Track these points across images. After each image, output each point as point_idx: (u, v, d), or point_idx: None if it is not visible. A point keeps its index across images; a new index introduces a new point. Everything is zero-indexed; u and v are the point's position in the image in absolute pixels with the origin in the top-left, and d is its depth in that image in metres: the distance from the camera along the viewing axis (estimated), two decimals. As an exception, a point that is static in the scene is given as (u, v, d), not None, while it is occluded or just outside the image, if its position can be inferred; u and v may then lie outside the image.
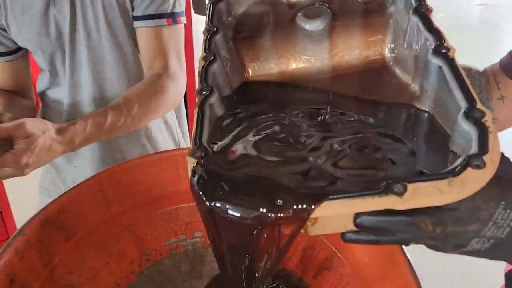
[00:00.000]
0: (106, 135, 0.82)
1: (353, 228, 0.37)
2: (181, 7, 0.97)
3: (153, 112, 0.90)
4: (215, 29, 0.51)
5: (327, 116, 0.49)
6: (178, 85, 0.93)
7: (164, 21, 0.92)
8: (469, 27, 5.51)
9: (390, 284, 0.50)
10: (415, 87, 0.50)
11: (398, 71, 0.53)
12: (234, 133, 0.46)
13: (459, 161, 0.34)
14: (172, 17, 0.93)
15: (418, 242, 0.38)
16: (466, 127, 0.36)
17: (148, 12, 0.91)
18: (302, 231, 0.38)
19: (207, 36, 0.51)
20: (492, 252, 0.39)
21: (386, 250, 0.53)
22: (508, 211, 0.36)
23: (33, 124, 0.69)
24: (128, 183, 0.65)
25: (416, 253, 0.52)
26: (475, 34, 5.20)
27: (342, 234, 0.39)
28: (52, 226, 0.57)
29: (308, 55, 0.56)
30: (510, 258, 0.41)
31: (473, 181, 0.33)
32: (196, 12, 1.96)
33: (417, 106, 0.47)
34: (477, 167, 0.33)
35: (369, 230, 0.37)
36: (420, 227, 0.35)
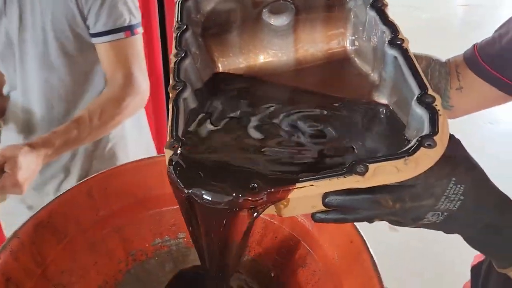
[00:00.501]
0: (75, 146, 0.89)
1: (323, 208, 0.40)
2: (136, 18, 1.02)
3: (117, 120, 0.98)
4: (185, 26, 0.54)
5: (293, 109, 0.52)
6: (140, 91, 1.00)
7: (122, 35, 0.98)
8: (452, 26, 5.60)
9: (355, 278, 0.56)
10: (374, 76, 0.53)
11: (358, 62, 0.57)
12: (207, 123, 0.49)
13: (413, 141, 0.38)
14: (129, 29, 0.99)
15: (381, 219, 0.42)
16: (419, 111, 0.40)
17: (106, 28, 0.97)
18: (275, 213, 0.41)
19: (177, 34, 0.53)
20: (446, 224, 0.44)
21: (353, 248, 0.58)
22: (459, 186, 0.41)
23: (7, 149, 0.79)
24: (116, 188, 0.69)
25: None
26: (458, 34, 5.30)
27: (312, 215, 0.43)
28: (44, 228, 0.61)
29: (274, 49, 0.59)
30: (462, 230, 0.46)
31: (425, 159, 0.37)
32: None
33: (376, 95, 0.51)
34: (429, 146, 0.37)
35: (337, 209, 0.41)
36: (382, 203, 0.39)
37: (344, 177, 0.37)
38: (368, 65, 0.55)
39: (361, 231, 0.58)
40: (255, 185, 0.38)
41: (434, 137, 0.38)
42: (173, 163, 0.41)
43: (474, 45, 0.72)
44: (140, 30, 1.03)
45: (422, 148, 0.37)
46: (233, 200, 0.38)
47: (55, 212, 0.63)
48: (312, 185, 0.37)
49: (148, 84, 1.04)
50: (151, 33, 1.80)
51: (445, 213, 0.42)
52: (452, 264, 2.04)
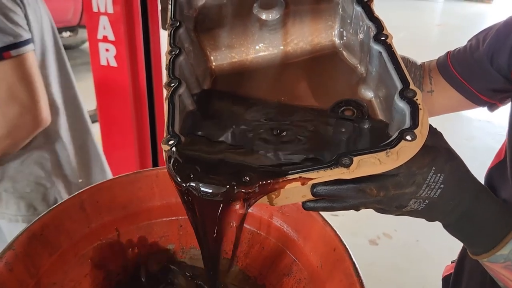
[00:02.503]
0: None
1: (311, 197, 0.43)
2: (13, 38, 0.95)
3: (11, 148, 1.02)
4: (178, 23, 0.55)
5: (283, 112, 0.54)
6: (33, 116, 1.01)
7: None
8: (429, 45, 5.80)
9: (338, 284, 0.59)
10: (361, 69, 0.56)
11: (346, 55, 0.59)
12: (204, 123, 0.51)
13: (395, 135, 0.41)
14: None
15: (366, 207, 0.45)
16: (401, 105, 0.43)
17: None
18: (267, 202, 0.44)
19: (171, 30, 0.54)
20: (427, 211, 0.47)
21: (336, 255, 0.61)
22: (439, 175, 0.45)
23: None
24: (107, 201, 0.71)
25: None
26: (435, 52, 5.47)
27: (303, 204, 0.46)
28: (38, 241, 0.62)
29: (265, 43, 0.61)
30: (442, 217, 0.49)
31: (406, 151, 0.40)
32: (164, 27, 2.02)
33: (363, 87, 0.53)
34: (410, 139, 0.40)
35: (325, 198, 0.44)
36: (367, 192, 0.43)
37: (331, 169, 0.40)
38: (355, 58, 0.57)
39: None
40: (247, 178, 0.41)
41: (415, 130, 0.40)
42: (171, 158, 0.43)
43: (447, 52, 0.77)
44: (14, 52, 0.95)
45: (403, 141, 0.40)
46: (228, 192, 0.40)
47: (47, 225, 0.64)
48: (301, 177, 0.40)
49: (42, 105, 1.03)
50: (134, 45, 1.83)
51: (427, 201, 0.46)
52: (432, 277, 2.09)
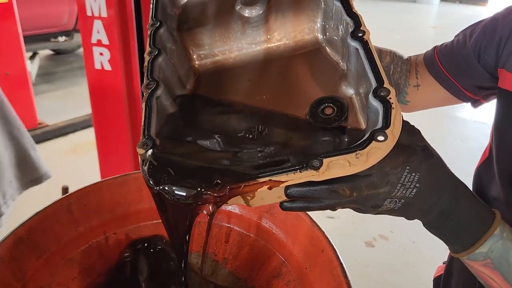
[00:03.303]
0: None
1: (287, 198, 0.43)
2: None
3: None
4: (158, 23, 0.54)
5: (261, 116, 0.53)
6: None
7: None
8: (424, 46, 5.82)
9: (327, 284, 0.58)
10: (343, 65, 0.55)
11: (329, 51, 0.58)
12: (181, 127, 0.51)
13: (366, 135, 0.40)
14: None
15: (343, 207, 0.45)
16: (375, 104, 0.42)
17: None
18: (244, 203, 0.44)
19: (151, 31, 0.53)
20: (405, 210, 0.47)
21: (324, 257, 0.61)
22: (413, 174, 0.44)
23: None
24: (95, 204, 0.70)
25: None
26: (430, 54, 5.50)
27: (280, 204, 0.46)
28: (24, 244, 0.62)
29: (248, 40, 0.61)
30: (420, 216, 0.49)
31: (376, 152, 0.39)
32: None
33: (345, 84, 0.52)
34: (380, 140, 0.39)
35: (299, 199, 0.44)
36: (340, 192, 0.42)
37: (300, 171, 0.40)
38: (338, 54, 0.56)
39: (335, 245, 0.61)
40: (218, 181, 0.41)
41: (386, 131, 0.40)
42: (146, 162, 0.43)
43: (434, 47, 0.77)
44: None
45: (373, 142, 0.39)
46: (198, 195, 0.41)
47: (34, 228, 0.64)
48: (271, 180, 0.40)
49: None
50: (128, 49, 1.83)
51: (402, 200, 0.45)
52: (429, 279, 2.09)
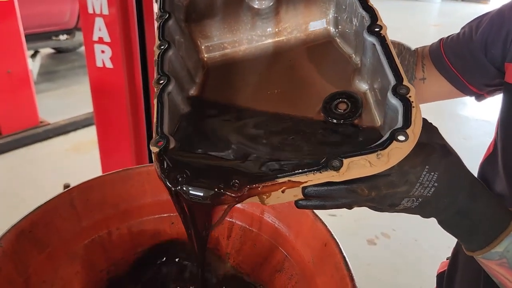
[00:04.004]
0: None
1: (302, 197, 0.42)
2: None
3: None
4: (167, 15, 0.53)
5: (276, 116, 0.52)
6: None
7: None
8: (425, 44, 5.82)
9: (330, 278, 0.58)
10: (356, 59, 0.53)
11: (341, 44, 0.57)
12: (196, 125, 0.50)
13: (386, 135, 0.39)
14: None
15: (359, 205, 0.44)
16: (394, 102, 0.41)
17: None
18: (259, 201, 0.43)
19: (160, 23, 0.52)
20: (421, 209, 0.46)
21: (327, 250, 0.60)
22: (432, 173, 0.43)
23: None
24: (98, 198, 0.70)
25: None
26: (432, 53, 5.50)
27: (295, 202, 0.45)
28: (26, 238, 0.62)
29: (258, 32, 0.59)
30: (436, 214, 0.48)
31: (397, 152, 0.38)
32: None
33: (358, 78, 0.51)
34: (401, 139, 0.38)
35: (316, 198, 0.43)
36: (358, 192, 0.41)
37: (320, 172, 0.39)
38: (350, 47, 0.55)
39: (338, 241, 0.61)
40: (236, 181, 0.40)
41: (407, 130, 0.39)
42: (160, 161, 0.42)
43: (440, 40, 0.75)
44: None
45: (394, 142, 0.38)
46: (216, 196, 0.40)
47: (37, 222, 0.64)
48: (290, 180, 0.39)
49: None
50: (130, 47, 1.83)
51: (420, 199, 0.44)
52: (430, 277, 2.08)
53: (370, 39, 0.46)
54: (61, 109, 3.67)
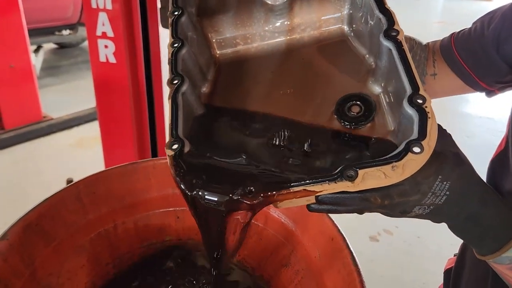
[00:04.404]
0: None
1: (315, 201, 0.42)
2: None
3: None
4: (180, 11, 0.52)
5: (289, 122, 0.51)
6: None
7: None
8: (429, 41, 5.79)
9: (337, 273, 0.58)
10: (370, 60, 0.53)
11: (355, 44, 0.56)
12: (211, 129, 0.50)
13: (402, 146, 0.39)
14: None
15: (371, 211, 0.44)
16: (410, 112, 0.41)
17: None
18: (272, 205, 0.43)
19: (172, 19, 0.51)
20: (432, 215, 0.46)
21: (334, 245, 0.60)
22: (445, 183, 0.43)
23: None
24: (104, 192, 0.70)
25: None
26: (435, 50, 5.48)
27: (307, 206, 0.45)
28: (33, 231, 0.62)
29: (271, 29, 0.58)
30: (447, 220, 0.48)
31: (412, 164, 0.38)
32: (164, 26, 2.02)
33: (371, 80, 0.50)
34: (416, 152, 0.38)
35: (329, 204, 0.43)
36: (371, 201, 0.42)
37: (335, 182, 0.39)
38: (364, 47, 0.54)
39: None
40: (252, 188, 0.40)
41: (422, 142, 0.39)
42: (176, 164, 0.42)
43: (451, 35, 0.74)
44: None
45: (409, 153, 0.38)
46: (232, 202, 0.40)
47: (43, 215, 0.64)
48: (305, 189, 0.39)
49: None
50: (133, 42, 1.82)
51: (431, 207, 0.45)
52: (434, 274, 2.08)
53: (387, 44, 0.46)
54: (64, 104, 3.68)
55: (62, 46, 5.27)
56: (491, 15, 0.69)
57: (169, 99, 0.46)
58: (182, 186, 0.41)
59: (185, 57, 0.50)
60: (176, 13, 0.52)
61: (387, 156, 0.39)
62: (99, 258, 0.70)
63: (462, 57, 0.72)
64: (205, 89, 0.55)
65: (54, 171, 2.77)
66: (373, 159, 0.40)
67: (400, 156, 0.39)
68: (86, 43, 5.09)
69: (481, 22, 0.70)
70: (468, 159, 0.48)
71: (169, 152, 0.42)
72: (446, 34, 0.77)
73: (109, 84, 1.94)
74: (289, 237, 0.68)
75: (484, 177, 0.65)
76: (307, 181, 0.39)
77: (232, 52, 0.58)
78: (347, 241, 0.59)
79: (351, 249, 0.58)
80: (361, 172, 0.39)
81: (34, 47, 4.20)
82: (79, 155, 3.04)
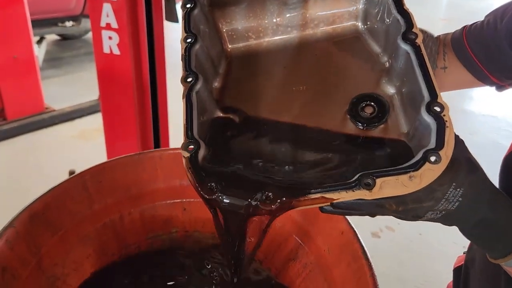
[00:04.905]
0: None
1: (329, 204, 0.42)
2: None
3: None
4: (192, 3, 0.51)
5: (304, 129, 0.51)
6: None
7: None
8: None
9: (346, 267, 0.57)
10: (384, 59, 0.52)
11: (369, 41, 0.55)
12: (228, 133, 0.49)
13: (419, 155, 0.39)
14: None
15: (383, 215, 0.44)
16: (427, 120, 0.41)
17: None
18: None
19: (185, 12, 0.50)
20: (443, 220, 0.47)
21: (343, 239, 0.60)
22: (458, 189, 0.43)
23: None
24: (110, 182, 0.69)
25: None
26: (439, 47, 5.45)
27: (320, 208, 0.44)
28: (39, 220, 0.61)
29: (284, 23, 0.57)
30: (458, 224, 0.48)
31: (429, 174, 0.38)
32: (168, 19, 2.00)
33: (385, 79, 0.50)
34: (434, 161, 0.38)
35: (344, 208, 0.43)
36: (386, 207, 0.42)
37: (353, 190, 0.39)
38: (379, 45, 0.54)
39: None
40: (270, 194, 0.40)
41: (440, 152, 0.38)
42: (193, 168, 0.41)
43: (463, 28, 0.73)
44: None
45: (427, 163, 0.38)
46: (250, 207, 0.40)
47: (49, 204, 0.63)
48: (323, 197, 0.39)
49: None
50: (137, 34, 1.81)
51: (443, 212, 0.45)
52: (436, 271, 2.07)
53: (405, 47, 0.45)
54: (66, 96, 3.66)
55: (64, 37, 5.25)
56: (504, 9, 0.67)
57: (183, 98, 0.45)
58: (198, 189, 0.41)
59: (198, 53, 0.49)
60: (188, 5, 0.51)
61: (404, 165, 0.39)
62: (105, 248, 0.69)
63: (474, 51, 0.70)
64: (216, 83, 0.54)
65: (56, 163, 2.77)
66: (390, 164, 0.40)
67: (417, 166, 0.38)
68: (88, 35, 5.07)
69: (494, 16, 0.69)
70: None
71: (185, 154, 0.42)
72: (451, 30, 0.76)
73: (112, 76, 1.93)
74: (298, 230, 0.68)
75: (491, 176, 0.64)
76: (325, 189, 0.39)
77: (243, 45, 0.58)
78: (358, 235, 0.58)
79: (362, 242, 0.57)
80: (378, 181, 0.38)
81: (37, 38, 4.19)
82: (81, 147, 3.03)
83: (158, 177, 0.73)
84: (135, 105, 1.94)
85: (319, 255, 0.63)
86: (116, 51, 1.86)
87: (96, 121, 3.10)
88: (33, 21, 3.18)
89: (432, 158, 0.38)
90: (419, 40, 0.45)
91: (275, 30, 0.58)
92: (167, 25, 1.98)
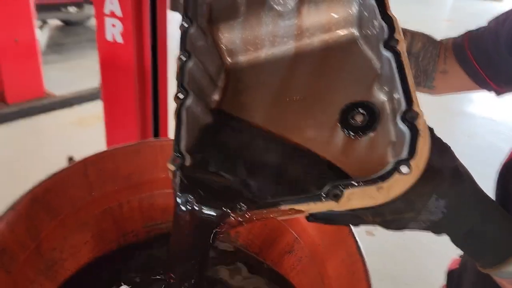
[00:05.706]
0: None
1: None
2: None
3: None
4: (190, 22, 0.52)
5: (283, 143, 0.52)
6: None
7: None
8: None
9: (340, 262, 0.58)
10: (376, 64, 0.51)
11: (364, 47, 0.55)
12: (213, 143, 0.50)
13: (389, 165, 0.37)
14: None
15: (365, 224, 0.45)
16: (402, 128, 0.39)
17: None
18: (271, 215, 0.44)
19: (183, 31, 0.51)
20: (432, 228, 0.45)
21: (339, 234, 0.60)
22: (440, 200, 0.41)
23: None
24: (111, 169, 0.70)
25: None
26: (441, 48, 5.45)
27: (306, 217, 0.46)
28: (39, 204, 0.62)
29: (280, 34, 0.58)
30: (448, 232, 0.47)
31: (398, 185, 0.37)
32: (172, 9, 2.00)
33: (377, 86, 0.49)
34: (403, 172, 0.36)
35: (322, 219, 0.45)
36: (363, 218, 0.42)
37: (321, 202, 0.39)
38: (373, 51, 0.53)
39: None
40: (243, 206, 0.42)
41: (411, 161, 0.37)
42: (177, 179, 0.44)
43: (466, 32, 0.73)
44: None
45: (396, 174, 0.37)
46: (222, 217, 0.42)
47: (50, 189, 0.63)
48: (292, 209, 0.40)
49: None
50: (141, 23, 1.81)
51: (428, 222, 0.43)
52: (429, 270, 2.09)
53: (386, 53, 0.44)
54: (66, 82, 3.66)
55: (67, 23, 5.23)
56: (506, 16, 0.68)
57: (174, 114, 0.47)
58: (177, 199, 0.44)
59: (192, 70, 0.50)
60: (185, 25, 0.52)
61: (374, 177, 0.38)
62: (104, 235, 0.70)
63: (474, 55, 0.71)
64: (215, 96, 0.55)
65: (55, 148, 2.77)
66: (362, 178, 0.39)
67: (386, 177, 0.37)
68: (91, 22, 5.05)
69: (496, 22, 0.69)
70: (468, 160, 0.46)
71: (171, 167, 0.44)
72: (455, 33, 0.76)
73: (114, 64, 1.93)
74: (294, 224, 0.69)
75: (488, 179, 0.65)
76: (294, 201, 0.40)
77: (242, 58, 0.59)
78: (353, 231, 0.59)
79: (357, 239, 0.58)
80: (346, 192, 0.38)
81: (40, 23, 4.17)
82: (79, 133, 3.04)
83: (158, 166, 0.74)
84: (136, 94, 1.94)
85: (314, 249, 0.64)
86: (119, 40, 1.85)
87: (95, 108, 3.10)
88: (36, 5, 3.17)
89: (403, 169, 0.37)
90: (399, 47, 0.44)
91: (271, 41, 0.59)
92: (172, 14, 1.98)
